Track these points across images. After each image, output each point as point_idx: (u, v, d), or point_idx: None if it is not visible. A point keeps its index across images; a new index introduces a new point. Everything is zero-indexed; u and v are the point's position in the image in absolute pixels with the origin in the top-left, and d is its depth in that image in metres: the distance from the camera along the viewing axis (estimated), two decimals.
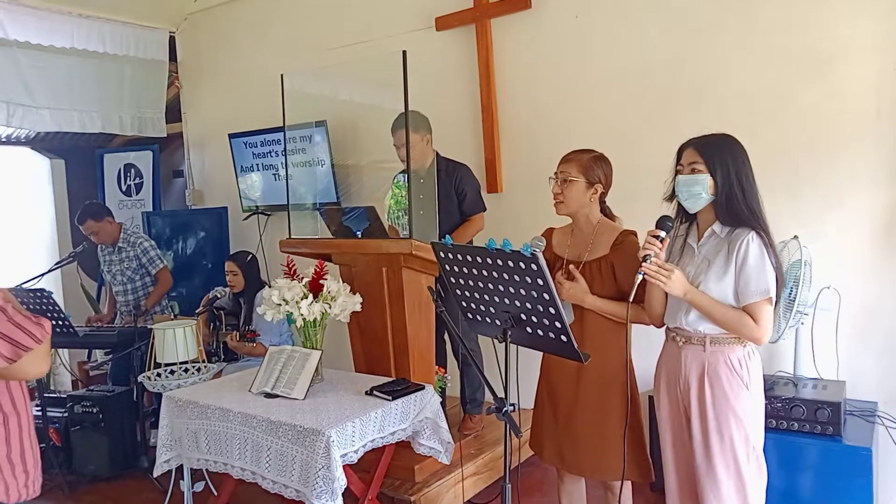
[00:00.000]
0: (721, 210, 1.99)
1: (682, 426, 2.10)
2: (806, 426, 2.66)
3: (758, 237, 1.94)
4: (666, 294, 2.10)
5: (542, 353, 2.40)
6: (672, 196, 2.09)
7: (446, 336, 3.67)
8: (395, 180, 3.66)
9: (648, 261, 1.95)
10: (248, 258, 4.15)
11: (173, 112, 5.64)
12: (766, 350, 3.01)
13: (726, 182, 1.96)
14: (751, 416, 2.00)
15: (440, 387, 3.40)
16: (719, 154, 1.98)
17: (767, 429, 2.13)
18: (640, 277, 1.96)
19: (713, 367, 2.01)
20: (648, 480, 2.34)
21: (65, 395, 3.94)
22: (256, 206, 5.11)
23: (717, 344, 2.01)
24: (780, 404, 2.70)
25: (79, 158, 5.99)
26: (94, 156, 5.81)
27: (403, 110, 2.99)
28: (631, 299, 2.00)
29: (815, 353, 3.00)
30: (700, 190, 1.99)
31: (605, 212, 2.41)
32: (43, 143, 5.83)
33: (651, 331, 2.26)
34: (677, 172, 2.06)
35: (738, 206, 1.96)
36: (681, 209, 2.10)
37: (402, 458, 2.89)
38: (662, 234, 1.97)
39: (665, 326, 2.18)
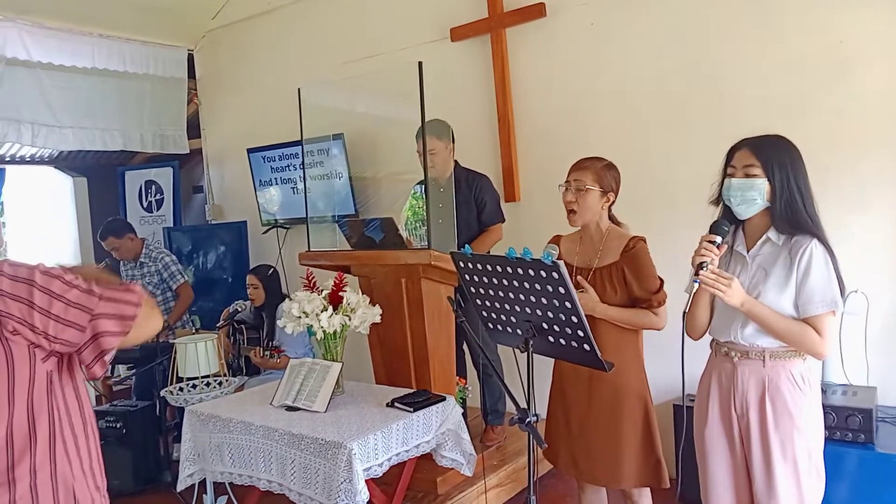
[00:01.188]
0: (780, 217, 1.86)
1: (736, 445, 1.96)
2: (837, 434, 2.60)
3: (821, 245, 1.82)
4: (712, 305, 2.00)
5: (553, 361, 2.38)
6: (718, 199, 1.97)
7: (465, 346, 3.66)
8: (413, 191, 3.66)
9: (705, 268, 1.82)
10: (269, 271, 4.17)
11: (192, 128, 5.71)
12: None
13: (785, 187, 1.83)
14: (814, 430, 1.89)
15: (461, 398, 3.38)
16: (777, 157, 1.85)
17: None
18: (696, 286, 1.84)
19: (774, 383, 1.88)
20: (663, 486, 2.29)
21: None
22: (275, 220, 5.15)
23: (777, 358, 1.89)
24: None
25: (101, 176, 6.07)
26: (115, 173, 5.90)
27: (420, 121, 2.99)
28: (686, 308, 1.90)
29: (843, 359, 2.94)
30: (755, 195, 1.86)
31: (612, 218, 2.40)
32: (66, 161, 5.92)
33: (670, 337, 2.20)
34: (728, 175, 1.92)
35: (800, 213, 1.84)
36: (725, 214, 1.96)
37: (424, 470, 2.87)
38: (718, 239, 1.85)
39: (712, 340, 2.05)
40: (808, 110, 3.08)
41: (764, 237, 1.91)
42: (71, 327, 1.30)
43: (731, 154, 1.93)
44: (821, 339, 1.82)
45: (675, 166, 3.38)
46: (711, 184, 2.00)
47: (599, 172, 2.29)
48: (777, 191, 1.85)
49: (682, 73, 3.42)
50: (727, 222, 1.90)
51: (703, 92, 3.36)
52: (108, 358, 1.36)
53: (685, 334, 1.92)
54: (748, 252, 1.95)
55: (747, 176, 1.86)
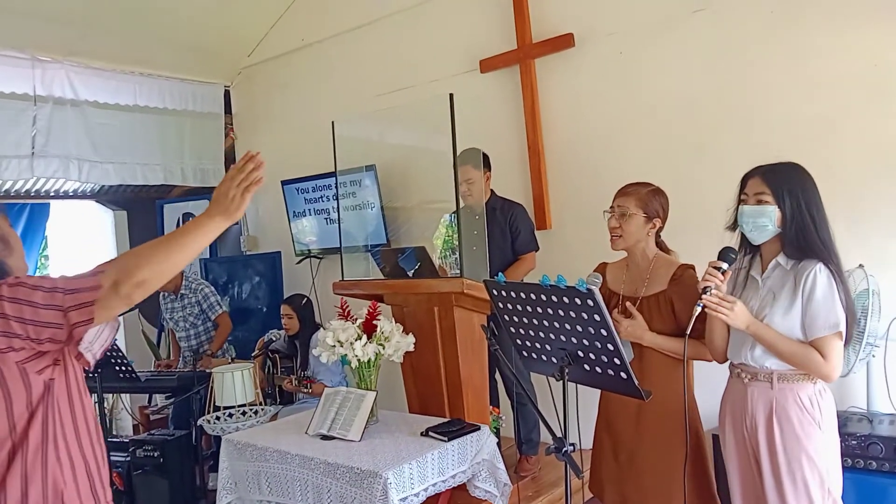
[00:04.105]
0: (791, 242, 1.91)
1: (751, 465, 2.01)
2: (885, 465, 2.52)
3: (826, 269, 1.86)
4: (728, 328, 2.04)
5: (600, 391, 2.35)
6: (734, 225, 2.02)
7: (497, 375, 3.64)
8: (443, 220, 3.69)
9: (709, 292, 1.89)
10: (304, 301, 4.22)
11: (229, 161, 5.85)
12: (837, 385, 2.87)
13: (796, 213, 1.89)
14: (825, 457, 1.89)
15: (495, 427, 3.35)
16: (787, 184, 1.91)
17: (843, 468, 2.01)
18: (698, 309, 1.91)
19: (782, 405, 1.91)
20: None
21: (127, 440, 4.03)
22: (309, 250, 5.22)
23: (786, 381, 1.93)
24: (854, 442, 2.57)
25: (140, 209, 6.24)
26: (154, 206, 6.06)
27: (452, 151, 3.03)
28: (688, 332, 1.95)
29: (889, 387, 2.85)
30: (766, 222, 1.92)
31: (660, 245, 2.36)
32: (107, 195, 6.10)
33: (714, 367, 2.19)
34: (741, 202, 1.98)
35: (812, 238, 1.88)
36: (744, 240, 2.03)
37: (458, 500, 2.84)
38: (725, 266, 1.91)
39: (729, 362, 2.10)
40: (840, 134, 3.05)
41: (774, 262, 1.96)
42: (49, 327, 1.35)
43: (744, 182, 2.00)
44: (825, 361, 1.85)
45: (707, 190, 3.33)
46: (727, 210, 2.05)
47: (644, 198, 2.27)
48: (788, 217, 1.90)
49: (712, 99, 3.41)
50: (735, 249, 1.97)
51: (734, 117, 3.34)
52: (94, 349, 1.40)
53: (686, 357, 2.00)
54: (761, 276, 1.99)
55: (759, 203, 1.93)
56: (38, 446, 1.41)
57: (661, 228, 2.32)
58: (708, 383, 2.36)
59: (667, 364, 2.22)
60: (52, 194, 5.44)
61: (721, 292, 1.91)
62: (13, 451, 1.38)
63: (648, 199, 2.27)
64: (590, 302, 1.70)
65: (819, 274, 1.86)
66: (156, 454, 3.82)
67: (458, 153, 3.04)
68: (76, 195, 5.93)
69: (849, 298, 1.87)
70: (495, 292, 1.97)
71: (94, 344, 1.41)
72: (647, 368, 2.20)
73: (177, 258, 1.43)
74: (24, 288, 1.36)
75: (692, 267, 2.26)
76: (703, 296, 1.89)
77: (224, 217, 1.48)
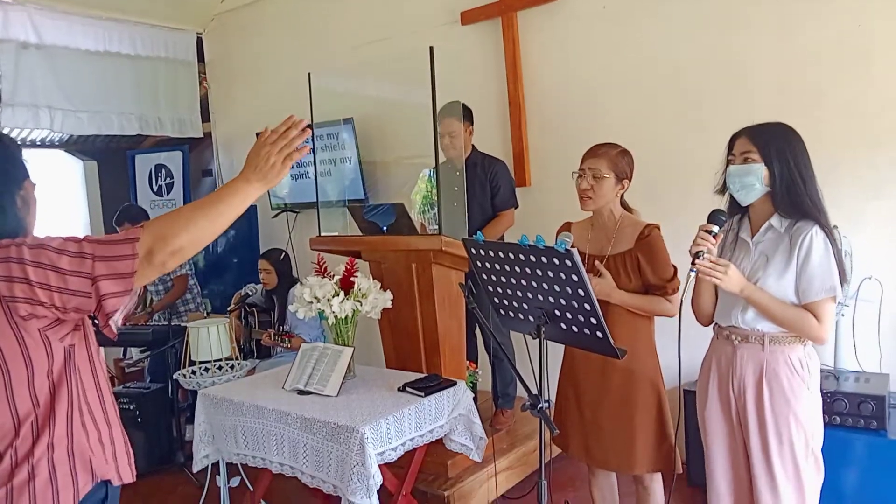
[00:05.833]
0: (782, 201, 1.89)
1: (734, 428, 2.01)
2: (849, 420, 2.60)
3: (821, 231, 1.84)
4: (716, 291, 2.04)
5: (563, 347, 2.38)
6: (724, 188, 2.00)
7: (477, 331, 3.67)
8: (422, 175, 3.65)
9: (702, 257, 1.85)
10: (281, 256, 4.18)
11: (202, 112, 5.71)
12: None
13: (785, 172, 1.86)
14: (811, 417, 1.92)
15: (471, 382, 3.39)
16: (775, 142, 1.88)
17: None
18: (692, 275, 1.88)
19: (772, 367, 1.91)
20: (675, 472, 2.30)
21: None
22: (285, 204, 5.15)
23: (777, 343, 1.92)
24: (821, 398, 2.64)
25: (111, 160, 6.09)
26: (125, 157, 5.91)
27: (432, 105, 2.97)
28: (684, 297, 1.93)
29: (856, 346, 2.93)
30: (753, 180, 1.89)
31: (624, 205, 2.38)
32: (76, 145, 5.94)
33: (673, 323, 2.19)
34: (728, 163, 1.96)
35: (801, 196, 1.86)
36: (732, 202, 2.00)
37: (434, 453, 2.89)
38: (715, 228, 1.88)
39: (715, 324, 2.09)
40: (824, 98, 3.04)
41: (767, 224, 1.94)
42: (76, 296, 1.28)
43: (731, 142, 1.98)
44: (819, 324, 1.85)
45: (689, 153, 3.35)
46: (715, 173, 2.03)
47: (614, 159, 2.28)
48: (776, 175, 1.87)
49: (697, 60, 3.38)
50: (724, 212, 1.94)
51: (718, 79, 3.32)
52: (116, 318, 1.32)
53: (680, 322, 1.94)
54: (752, 238, 1.98)
55: (745, 161, 1.90)
56: (66, 416, 1.36)
57: (626, 189, 2.33)
58: (673, 340, 2.38)
59: (632, 322, 2.27)
60: (19, 143, 5.26)
61: (713, 256, 1.88)
62: (39, 424, 1.33)
63: (618, 161, 2.28)
64: (568, 262, 1.70)
65: (815, 237, 1.84)
66: (132, 407, 3.82)
67: (438, 107, 2.99)
68: (44, 144, 5.77)
69: (840, 260, 1.86)
70: (473, 251, 1.96)
71: (117, 314, 1.35)
72: (613, 326, 2.20)
73: (216, 225, 1.37)
74: (47, 251, 1.27)
75: (658, 226, 2.28)
76: (696, 260, 1.86)
77: (263, 183, 1.42)
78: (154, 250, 1.29)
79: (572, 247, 2.27)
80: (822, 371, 2.87)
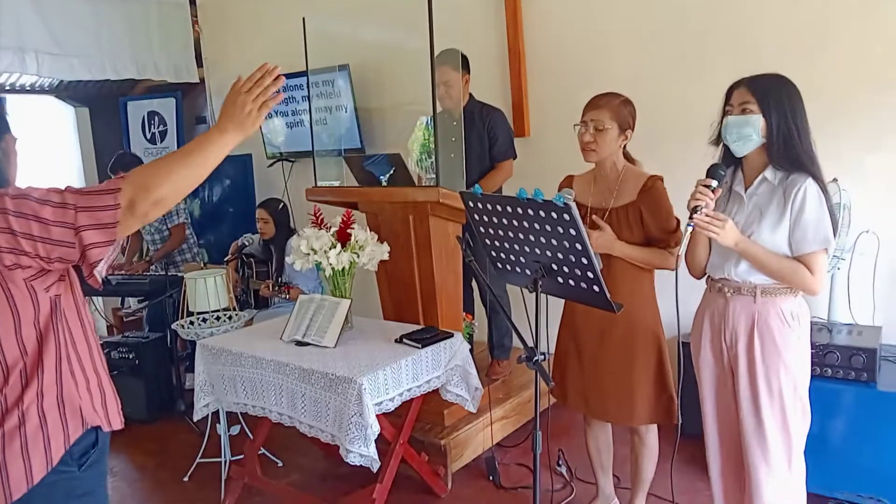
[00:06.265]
0: (777, 153, 1.88)
1: (726, 378, 2.06)
2: (840, 372, 2.63)
3: (815, 184, 1.85)
4: (710, 245, 2.04)
5: (563, 300, 2.38)
6: (718, 140, 1.98)
7: (474, 283, 3.67)
8: (419, 122, 3.59)
9: (700, 212, 1.85)
10: (279, 206, 4.16)
11: (198, 58, 5.56)
12: None
13: (782, 123, 1.85)
14: (800, 366, 1.95)
15: (468, 333, 3.42)
16: (773, 93, 1.87)
17: None
18: (689, 229, 1.88)
19: (763, 318, 1.94)
20: (674, 422, 2.34)
21: (101, 342, 4.04)
22: (280, 153, 5.09)
23: (769, 295, 1.94)
24: (813, 350, 2.66)
25: (102, 107, 5.97)
26: (117, 104, 5.80)
27: (430, 52, 2.90)
28: (683, 252, 1.93)
29: (850, 299, 2.94)
30: (751, 131, 1.87)
31: (626, 156, 2.35)
32: (66, 91, 5.81)
33: (681, 276, 2.21)
34: (726, 113, 1.94)
35: (796, 149, 1.85)
36: (725, 153, 1.99)
37: (431, 402, 2.93)
38: (714, 183, 1.87)
39: (707, 277, 2.11)
40: (827, 46, 2.98)
41: (761, 177, 1.94)
42: (59, 246, 1.30)
43: (729, 93, 1.96)
44: (813, 276, 1.87)
45: (692, 101, 3.28)
46: (711, 124, 2.00)
47: (617, 110, 2.23)
48: (773, 126, 1.87)
49: (701, 7, 3.29)
50: (724, 166, 1.94)
51: (722, 25, 3.24)
52: (100, 269, 1.34)
53: (677, 274, 1.97)
54: (745, 191, 1.98)
55: (743, 112, 1.89)
56: (54, 365, 1.39)
57: (629, 139, 2.30)
58: (672, 291, 2.39)
59: (633, 274, 2.27)
60: (6, 88, 5.15)
61: (710, 210, 1.88)
62: (28, 372, 1.36)
63: (620, 111, 2.24)
64: (566, 216, 1.68)
65: (809, 189, 1.84)
66: (131, 356, 3.86)
67: (435, 54, 2.92)
68: (33, 90, 5.64)
69: (833, 212, 1.88)
70: (471, 204, 1.94)
71: (101, 264, 1.36)
72: (614, 278, 2.23)
73: (195, 174, 1.39)
74: (29, 201, 1.28)
75: (661, 178, 2.25)
76: (694, 215, 1.86)
77: (239, 132, 1.44)
78: (136, 201, 1.31)
79: (574, 201, 2.28)
80: (815, 324, 2.93)
